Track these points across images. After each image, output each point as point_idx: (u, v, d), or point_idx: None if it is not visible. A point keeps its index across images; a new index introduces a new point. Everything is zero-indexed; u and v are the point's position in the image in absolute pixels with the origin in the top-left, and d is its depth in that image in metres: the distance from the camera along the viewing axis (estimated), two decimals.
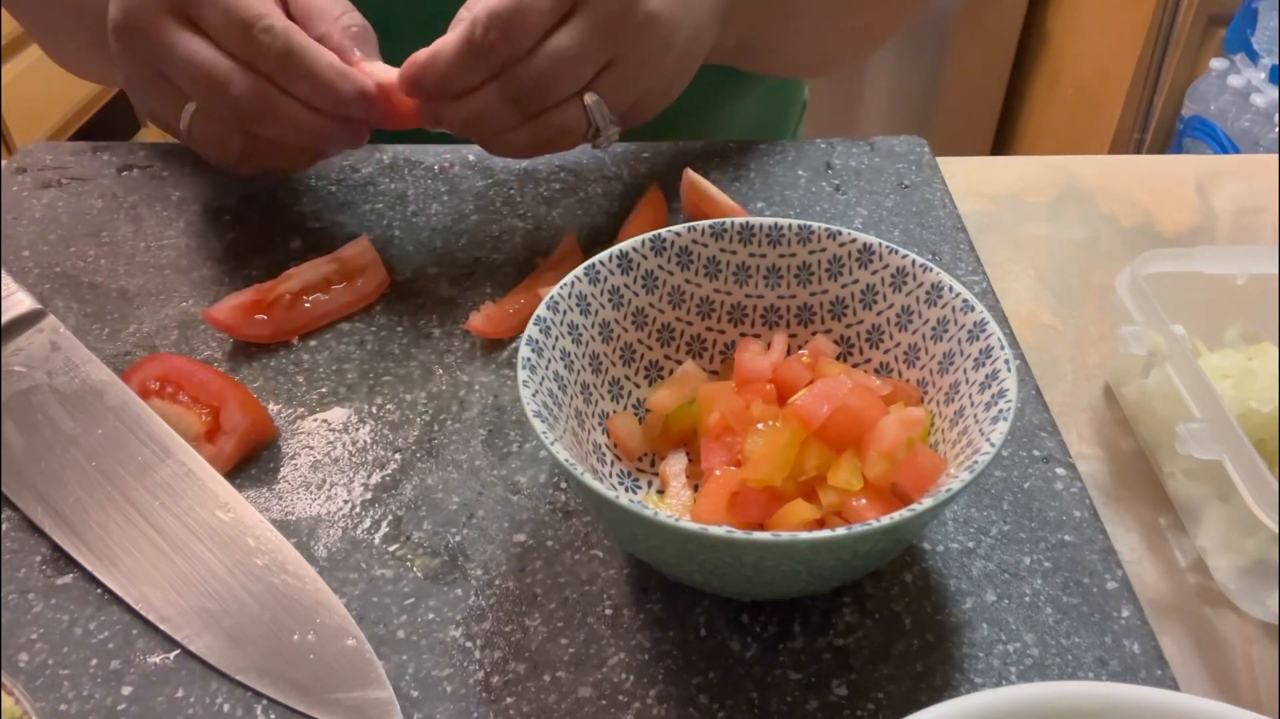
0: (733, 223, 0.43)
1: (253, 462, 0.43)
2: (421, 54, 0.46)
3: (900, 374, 0.41)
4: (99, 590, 0.38)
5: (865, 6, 0.65)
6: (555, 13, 0.46)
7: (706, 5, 0.53)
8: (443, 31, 0.47)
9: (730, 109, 0.73)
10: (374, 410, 0.45)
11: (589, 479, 0.32)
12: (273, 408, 0.45)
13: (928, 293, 0.40)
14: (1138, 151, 1.77)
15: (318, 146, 0.51)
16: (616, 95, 0.49)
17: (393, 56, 0.50)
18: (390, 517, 0.41)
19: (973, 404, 0.37)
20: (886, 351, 0.42)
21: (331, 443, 0.44)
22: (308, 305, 0.49)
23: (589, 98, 0.48)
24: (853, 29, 0.67)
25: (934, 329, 0.40)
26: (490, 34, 0.45)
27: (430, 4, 0.53)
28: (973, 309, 0.38)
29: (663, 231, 0.42)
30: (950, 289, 0.39)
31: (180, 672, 0.35)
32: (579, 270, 0.40)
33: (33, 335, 0.46)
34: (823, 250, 0.42)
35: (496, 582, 0.38)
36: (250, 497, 0.41)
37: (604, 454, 0.40)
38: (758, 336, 0.44)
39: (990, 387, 0.36)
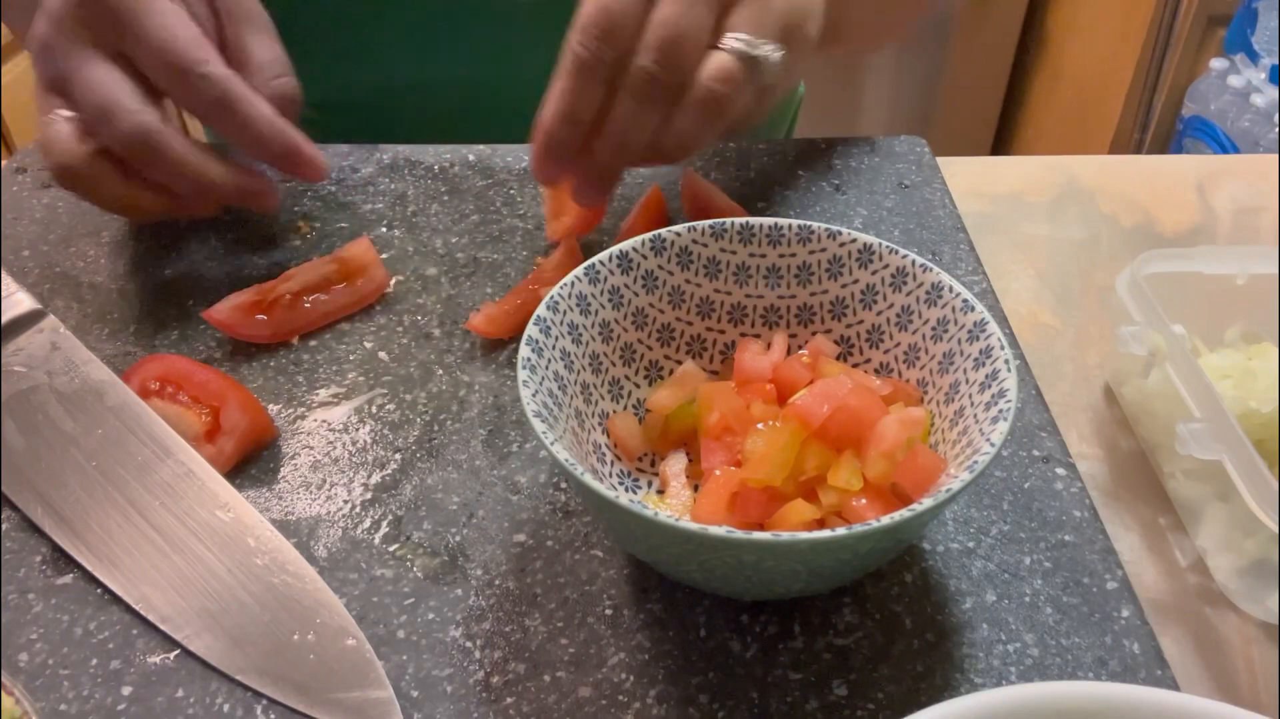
0: (733, 223, 0.43)
1: (253, 462, 0.43)
2: (542, 113, 0.45)
3: (900, 374, 0.41)
4: (99, 590, 0.38)
5: None
6: None
7: None
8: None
9: None
10: (374, 410, 0.45)
11: (589, 479, 0.32)
12: (273, 408, 0.45)
13: (928, 293, 0.40)
14: (1138, 151, 1.77)
15: (205, 195, 0.49)
16: (754, 22, 0.44)
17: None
18: (390, 517, 0.41)
19: (973, 404, 0.37)
20: (886, 351, 0.42)
21: (331, 443, 0.44)
22: (308, 305, 0.49)
23: (726, 38, 0.44)
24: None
25: (934, 329, 0.40)
26: (589, 41, 0.43)
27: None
28: (973, 309, 0.38)
29: (663, 232, 0.42)
30: (950, 289, 0.39)
31: (180, 672, 0.35)
32: (579, 270, 0.40)
33: (33, 335, 0.46)
34: (823, 250, 0.42)
35: (496, 582, 0.38)
36: (250, 497, 0.41)
37: (604, 454, 0.40)
38: (758, 336, 0.44)
39: (990, 386, 0.36)
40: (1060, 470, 0.43)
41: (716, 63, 0.44)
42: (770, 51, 0.45)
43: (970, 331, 0.38)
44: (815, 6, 0.48)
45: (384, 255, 0.53)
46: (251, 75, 0.49)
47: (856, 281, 0.42)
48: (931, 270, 0.40)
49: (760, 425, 0.38)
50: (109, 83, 0.46)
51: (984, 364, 0.37)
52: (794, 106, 0.84)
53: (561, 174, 0.47)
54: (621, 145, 0.45)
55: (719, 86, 0.44)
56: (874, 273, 0.42)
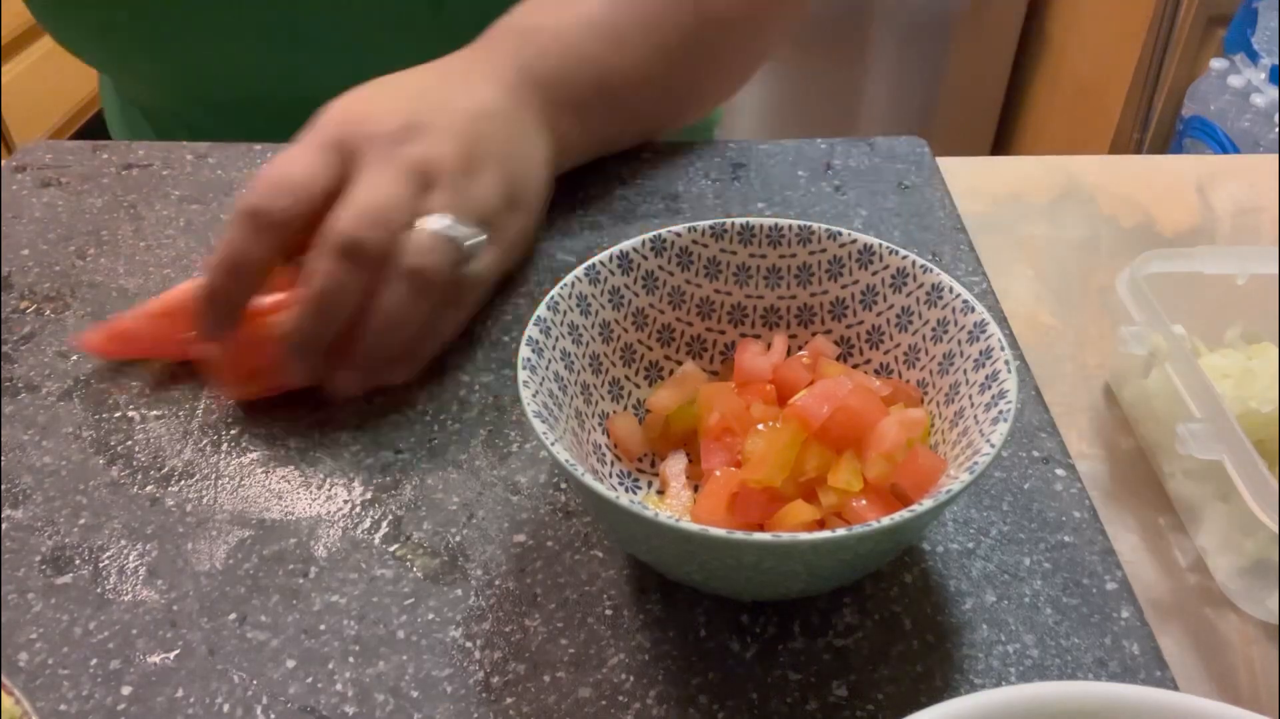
0: (733, 223, 0.43)
1: (254, 461, 0.43)
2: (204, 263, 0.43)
3: (900, 375, 0.41)
4: (99, 590, 0.38)
5: (711, 71, 0.61)
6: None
7: (519, 120, 0.50)
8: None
9: None
10: (374, 411, 0.45)
11: (589, 480, 0.32)
12: (272, 410, 0.45)
13: (928, 294, 0.40)
14: (1138, 151, 1.77)
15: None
16: (451, 207, 0.44)
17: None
18: (390, 517, 0.41)
19: (973, 405, 0.37)
20: (886, 352, 0.42)
21: (332, 443, 0.44)
22: None
23: (430, 220, 0.43)
24: (706, 87, 0.62)
25: (934, 330, 0.40)
26: (260, 189, 0.42)
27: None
28: (973, 310, 0.38)
29: (663, 232, 0.42)
30: (950, 290, 0.39)
31: (180, 672, 0.35)
32: (579, 270, 0.40)
33: None
34: (823, 251, 0.42)
35: (496, 582, 0.38)
36: (251, 496, 0.41)
37: (604, 454, 0.40)
38: (758, 337, 0.44)
39: (990, 388, 0.36)
40: (1060, 471, 0.43)
41: (418, 238, 0.43)
42: (470, 233, 0.44)
43: (970, 332, 0.38)
44: (530, 174, 0.50)
45: None
46: None
47: (856, 282, 0.42)
48: (932, 271, 0.40)
49: (760, 426, 0.38)
50: None
51: (984, 365, 0.37)
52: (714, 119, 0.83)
53: (223, 332, 0.43)
54: (324, 309, 0.42)
55: (424, 259, 0.42)
56: (874, 273, 0.42)
